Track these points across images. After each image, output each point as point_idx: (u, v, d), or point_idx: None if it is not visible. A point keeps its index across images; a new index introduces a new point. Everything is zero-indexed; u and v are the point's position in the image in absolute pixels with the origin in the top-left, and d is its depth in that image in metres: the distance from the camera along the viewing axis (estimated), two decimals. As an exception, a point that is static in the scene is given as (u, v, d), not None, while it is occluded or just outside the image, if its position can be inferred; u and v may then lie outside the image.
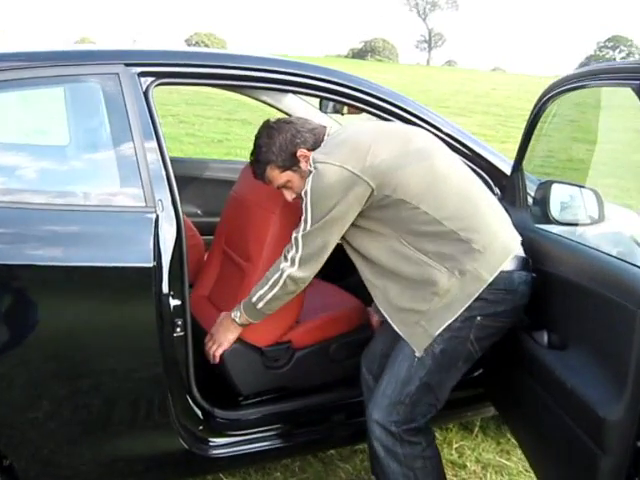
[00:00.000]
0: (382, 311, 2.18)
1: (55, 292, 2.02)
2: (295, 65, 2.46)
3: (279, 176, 2.29)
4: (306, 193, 2.08)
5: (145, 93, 2.16)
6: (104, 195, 2.09)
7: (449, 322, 2.03)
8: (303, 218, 2.11)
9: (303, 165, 2.24)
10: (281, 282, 2.16)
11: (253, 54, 2.45)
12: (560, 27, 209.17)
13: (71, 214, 2.03)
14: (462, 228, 2.04)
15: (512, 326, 2.17)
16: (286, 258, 2.16)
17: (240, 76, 2.37)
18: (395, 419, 2.12)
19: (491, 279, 2.02)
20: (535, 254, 2.23)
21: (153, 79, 2.20)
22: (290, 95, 3.47)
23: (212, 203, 3.71)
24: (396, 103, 2.54)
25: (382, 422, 2.13)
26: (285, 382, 2.58)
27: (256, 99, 3.45)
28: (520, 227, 2.35)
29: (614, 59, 75.52)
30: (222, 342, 2.36)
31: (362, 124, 2.32)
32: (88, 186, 2.12)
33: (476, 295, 2.02)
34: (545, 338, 2.15)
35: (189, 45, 52.61)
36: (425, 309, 2.05)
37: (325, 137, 2.26)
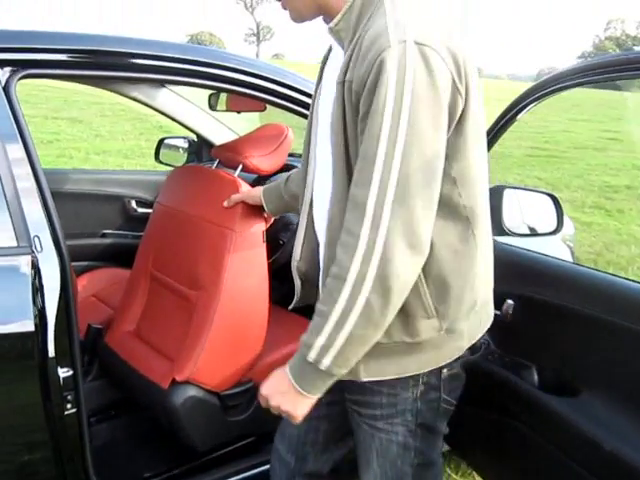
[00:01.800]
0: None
1: None
2: (207, 53, 1.93)
3: None
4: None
5: (5, 88, 1.58)
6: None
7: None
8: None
9: None
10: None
11: (154, 39, 1.89)
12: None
13: None
14: None
15: None
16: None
17: (137, 66, 1.80)
18: None
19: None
20: (512, 276, 1.87)
21: (15, 69, 1.61)
22: (164, 90, 2.95)
23: (72, 222, 3.09)
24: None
25: None
26: (248, 429, 2.18)
27: (125, 96, 2.88)
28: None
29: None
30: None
31: None
32: None
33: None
34: (535, 377, 1.79)
35: None
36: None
37: None
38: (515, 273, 1.89)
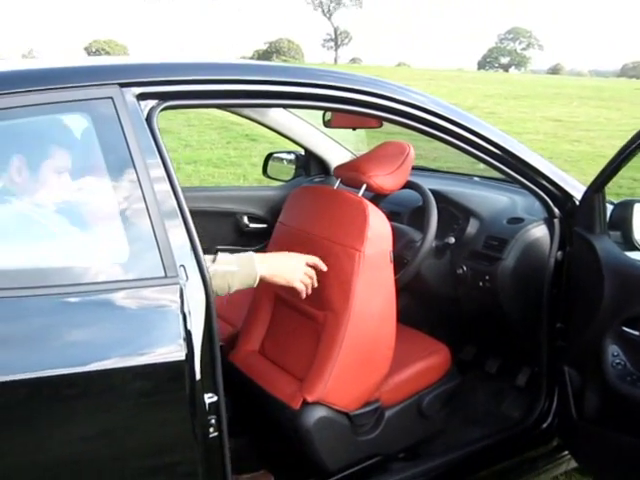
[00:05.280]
0: None
1: (46, 411, 1.42)
2: (325, 75, 1.88)
3: None
4: None
5: (148, 120, 1.60)
6: (104, 268, 1.52)
7: None
8: None
9: None
10: None
11: (291, 65, 1.89)
12: (460, 20, 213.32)
13: (56, 301, 1.44)
14: None
15: None
16: None
17: (282, 93, 1.80)
18: None
19: None
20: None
21: (157, 102, 1.63)
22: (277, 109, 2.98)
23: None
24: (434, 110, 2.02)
25: None
26: (375, 448, 2.18)
27: (239, 115, 2.94)
28: (610, 258, 1.95)
29: (514, 50, 77.68)
30: None
31: None
32: (79, 257, 1.54)
33: None
34: None
35: (89, 53, 50.73)
36: None
37: None
38: None
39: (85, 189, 1.61)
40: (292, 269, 1.92)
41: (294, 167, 3.40)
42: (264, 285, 2.32)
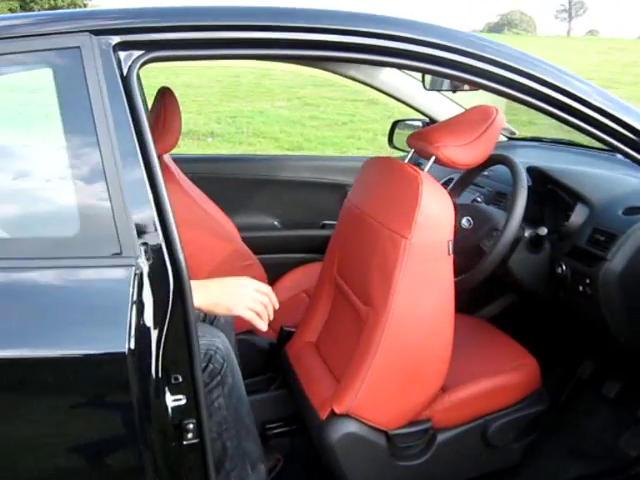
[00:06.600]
0: None
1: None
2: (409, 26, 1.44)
3: None
4: None
5: (126, 77, 1.32)
6: (50, 241, 1.31)
7: None
8: None
9: None
10: None
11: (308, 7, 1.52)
12: None
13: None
14: None
15: None
16: None
17: (300, 42, 1.43)
18: None
19: None
20: None
21: (140, 53, 1.35)
22: (388, 69, 2.63)
23: (290, 211, 2.92)
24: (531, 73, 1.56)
25: None
26: (423, 477, 1.80)
27: (341, 75, 2.63)
28: None
29: None
30: None
31: None
32: (26, 228, 1.35)
33: None
34: None
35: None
36: None
37: None
38: None
39: (34, 150, 1.42)
40: (235, 295, 1.56)
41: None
42: (326, 269, 2.04)
